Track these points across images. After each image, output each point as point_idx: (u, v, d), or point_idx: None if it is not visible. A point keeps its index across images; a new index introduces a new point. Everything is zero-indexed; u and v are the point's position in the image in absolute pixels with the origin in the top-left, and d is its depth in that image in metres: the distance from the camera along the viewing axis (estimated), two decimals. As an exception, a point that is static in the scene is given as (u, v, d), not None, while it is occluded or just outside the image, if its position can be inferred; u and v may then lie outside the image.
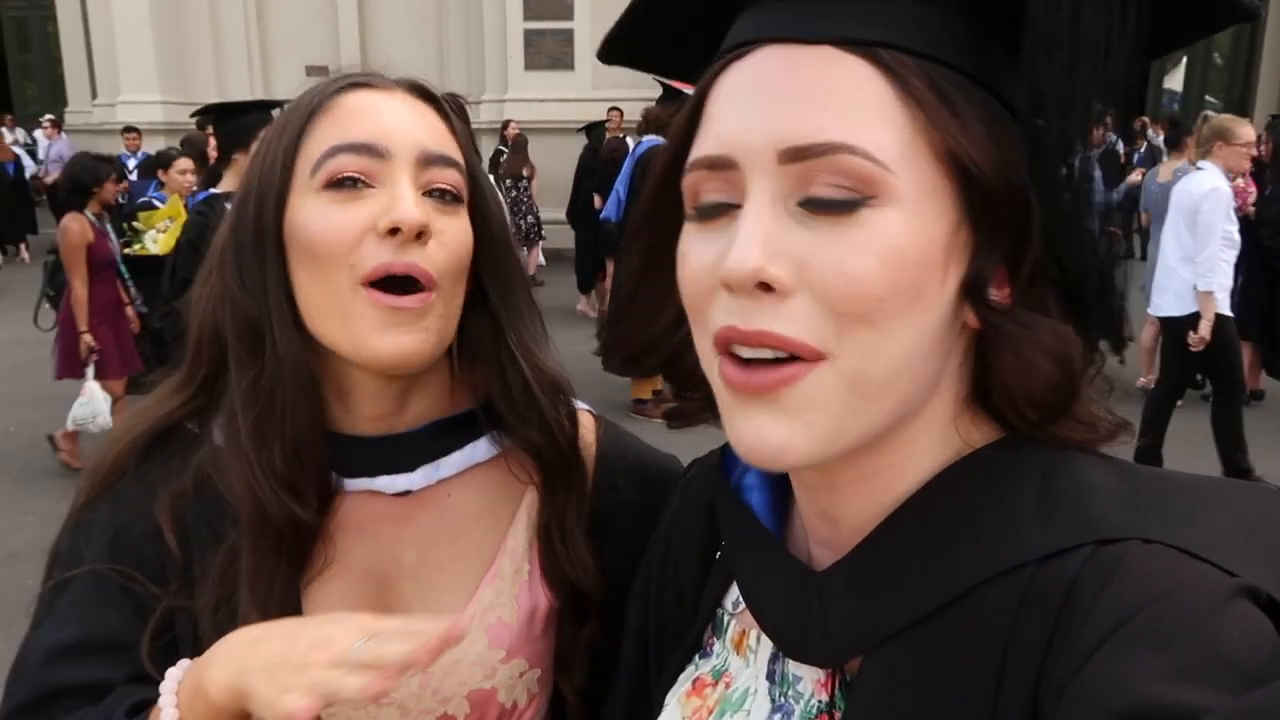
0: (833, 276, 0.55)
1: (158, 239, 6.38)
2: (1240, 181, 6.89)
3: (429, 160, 0.89)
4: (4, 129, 16.68)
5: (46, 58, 19.69)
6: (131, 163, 11.84)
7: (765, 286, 0.56)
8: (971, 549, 0.59)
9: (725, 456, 0.79)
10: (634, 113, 13.05)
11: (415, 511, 0.97)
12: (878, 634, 0.61)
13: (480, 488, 1.00)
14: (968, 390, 0.64)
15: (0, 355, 8.69)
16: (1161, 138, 9.85)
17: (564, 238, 13.06)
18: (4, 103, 20.20)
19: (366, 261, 0.85)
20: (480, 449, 1.00)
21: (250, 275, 0.89)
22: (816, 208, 0.55)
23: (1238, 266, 5.66)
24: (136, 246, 6.50)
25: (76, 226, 5.70)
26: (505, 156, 11.92)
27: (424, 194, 0.88)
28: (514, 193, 11.82)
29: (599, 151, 10.38)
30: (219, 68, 15.07)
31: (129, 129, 12.84)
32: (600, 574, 0.99)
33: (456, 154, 0.92)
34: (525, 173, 11.88)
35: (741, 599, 0.73)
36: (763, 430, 0.58)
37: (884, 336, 0.56)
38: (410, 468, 0.96)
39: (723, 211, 0.59)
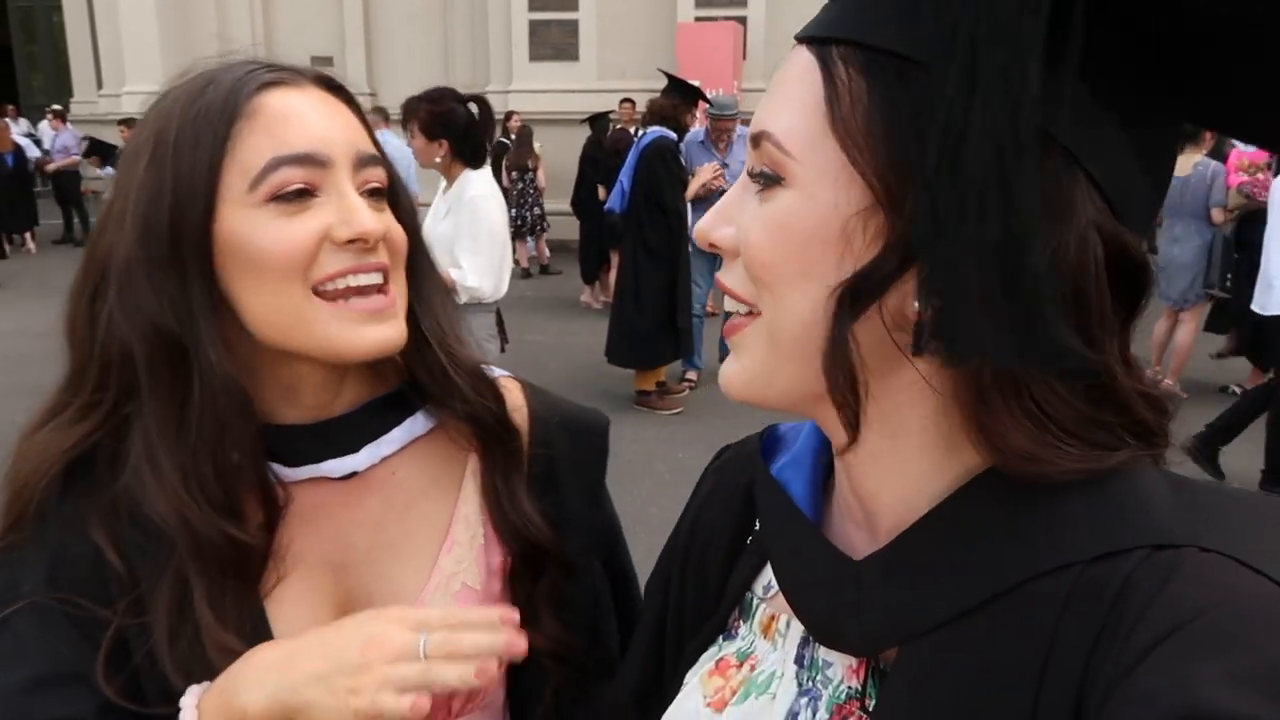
0: (743, 244, 0.64)
1: None
2: (1261, 174, 6.89)
3: (362, 161, 0.90)
4: (9, 120, 16.69)
5: (52, 48, 19.71)
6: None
7: (717, 249, 0.67)
8: (1019, 545, 0.58)
9: (765, 441, 0.80)
10: (639, 104, 13.05)
11: (362, 494, 0.97)
12: (917, 625, 0.60)
13: (423, 461, 1.01)
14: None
15: (5, 346, 8.72)
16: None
17: (569, 229, 13.06)
18: (10, 93, 20.21)
19: (325, 269, 0.86)
20: (419, 423, 1.00)
21: (168, 293, 0.85)
22: (759, 181, 0.63)
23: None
24: None
25: None
26: (510, 148, 11.91)
27: (359, 193, 0.89)
28: (520, 185, 11.81)
29: (603, 143, 10.37)
30: (224, 58, 15.05)
31: (125, 121, 12.85)
32: (548, 526, 1.01)
33: (376, 149, 0.93)
34: (530, 164, 11.87)
35: (774, 584, 0.73)
36: (724, 365, 0.69)
37: (779, 301, 0.62)
38: (354, 449, 0.96)
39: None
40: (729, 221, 0.65)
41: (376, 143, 0.95)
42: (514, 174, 11.81)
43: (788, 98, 0.62)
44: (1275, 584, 0.52)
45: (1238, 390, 6.79)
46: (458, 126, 4.14)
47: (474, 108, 4.21)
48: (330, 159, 0.86)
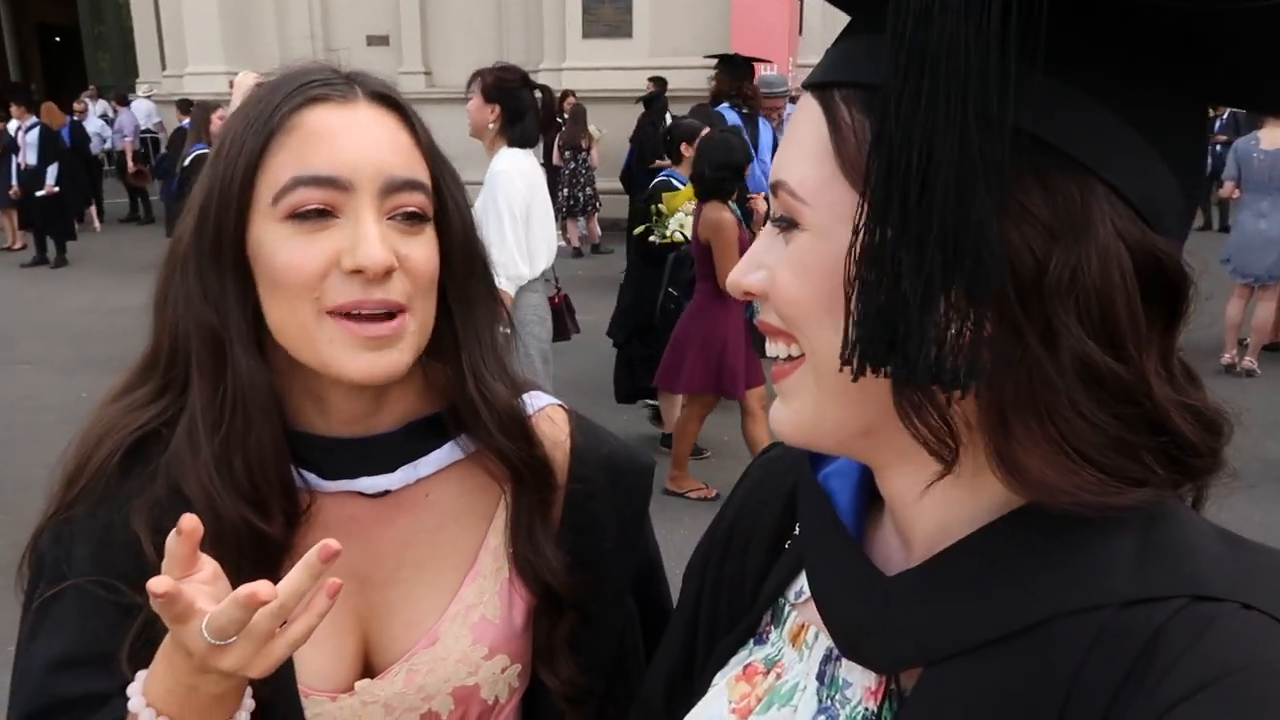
0: (771, 285, 0.64)
1: (685, 224, 5.39)
2: None
3: (393, 187, 0.88)
4: (88, 99, 17.16)
5: (119, 29, 20.18)
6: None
7: (752, 293, 0.67)
8: (1057, 580, 0.57)
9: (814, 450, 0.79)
10: (692, 80, 12.95)
11: (394, 512, 0.97)
12: (940, 648, 0.60)
13: (458, 487, 1.01)
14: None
15: (75, 321, 9.01)
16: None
17: (621, 207, 13.04)
18: (79, 74, 20.76)
19: (332, 297, 0.86)
20: (457, 449, 1.00)
21: (211, 288, 0.89)
22: (781, 225, 0.64)
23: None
24: (665, 232, 5.51)
25: (728, 217, 4.72)
26: (564, 127, 11.91)
27: (389, 218, 0.88)
28: (573, 164, 11.82)
29: (657, 124, 10.29)
30: (282, 38, 15.27)
31: (182, 104, 13.04)
32: (569, 574, 1.00)
33: (421, 172, 0.91)
34: (584, 143, 11.86)
35: (806, 590, 0.73)
36: (776, 413, 0.68)
37: (812, 339, 0.62)
38: (390, 468, 0.96)
39: None
40: (759, 266, 0.66)
41: (434, 159, 0.93)
42: (567, 153, 11.82)
43: (799, 145, 0.63)
44: None
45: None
46: (517, 100, 4.13)
47: (539, 95, 4.21)
48: (352, 183, 0.86)
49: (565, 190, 11.79)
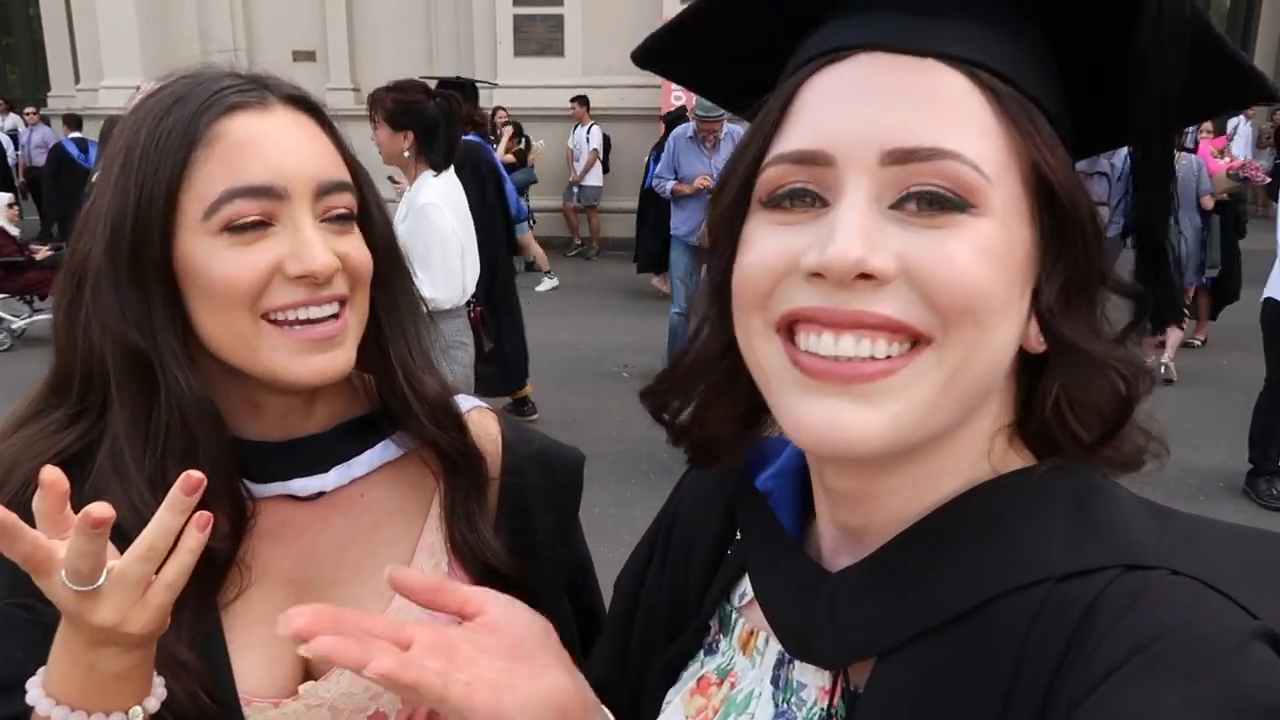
0: (939, 266, 0.55)
1: None
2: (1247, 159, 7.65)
3: (324, 190, 0.88)
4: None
5: (29, 41, 19.48)
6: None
7: (865, 277, 0.56)
8: (994, 562, 0.59)
9: (752, 455, 0.79)
10: (626, 100, 13.03)
11: (329, 514, 0.97)
12: (888, 639, 0.61)
13: (392, 485, 1.01)
14: (1010, 415, 0.65)
15: None
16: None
17: (556, 225, 13.02)
18: (-14, 87, 19.95)
19: (275, 300, 0.85)
20: (390, 448, 1.00)
21: (132, 309, 0.85)
22: (921, 206, 0.56)
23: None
24: None
25: None
26: (496, 144, 11.85)
27: (322, 219, 0.88)
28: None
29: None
30: (205, 51, 14.83)
31: (72, 118, 12.64)
32: (509, 555, 1.01)
33: (346, 173, 0.92)
34: (517, 162, 11.82)
35: (749, 592, 0.74)
36: (841, 417, 0.57)
37: (985, 334, 0.56)
38: (324, 468, 0.96)
39: (805, 204, 0.60)
40: (881, 246, 0.56)
41: (351, 161, 0.94)
42: (499, 170, 11.76)
43: (956, 117, 0.57)
44: (1243, 609, 0.52)
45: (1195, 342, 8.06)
46: (426, 119, 3.96)
47: (443, 103, 4.07)
48: (287, 190, 0.86)
49: (499, 208, 11.72)
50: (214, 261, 0.84)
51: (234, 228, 0.84)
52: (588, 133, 12.69)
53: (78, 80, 16.47)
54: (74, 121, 12.69)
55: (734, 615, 0.77)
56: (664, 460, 5.59)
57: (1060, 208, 0.59)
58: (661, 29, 0.72)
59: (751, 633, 0.74)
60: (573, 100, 12.50)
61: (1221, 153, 7.99)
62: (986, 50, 0.59)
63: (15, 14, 20.19)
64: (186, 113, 0.86)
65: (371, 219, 0.95)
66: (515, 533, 1.03)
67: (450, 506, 1.01)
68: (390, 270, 0.97)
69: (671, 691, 0.78)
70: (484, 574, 1.00)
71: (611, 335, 8.58)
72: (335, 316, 0.89)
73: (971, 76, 0.58)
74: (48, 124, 15.54)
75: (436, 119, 3.98)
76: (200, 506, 0.83)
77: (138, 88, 5.48)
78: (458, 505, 1.01)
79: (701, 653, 0.79)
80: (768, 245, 0.60)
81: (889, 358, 0.57)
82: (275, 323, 0.87)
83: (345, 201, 0.90)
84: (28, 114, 15.74)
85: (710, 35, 0.70)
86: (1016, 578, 0.58)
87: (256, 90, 0.89)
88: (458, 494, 1.01)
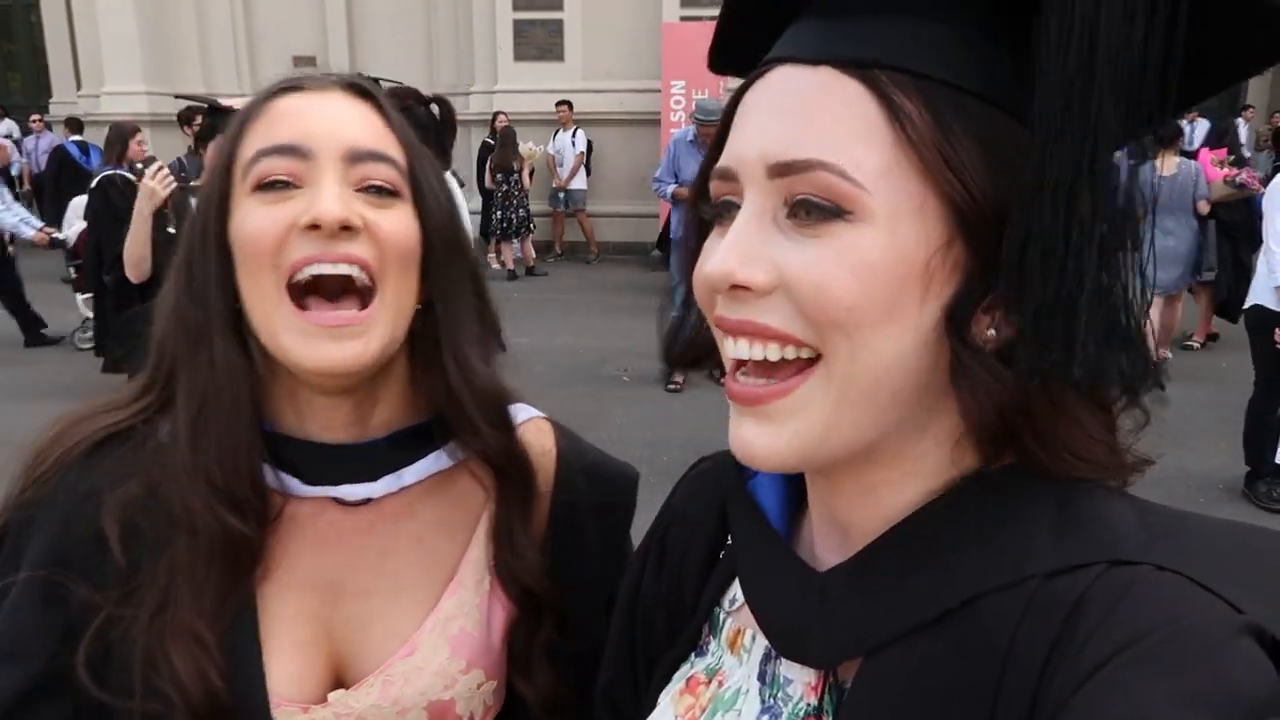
0: (806, 283, 0.57)
1: None
2: (1244, 167, 8.09)
3: (358, 156, 0.89)
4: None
5: (30, 47, 19.49)
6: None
7: (743, 288, 0.59)
8: (980, 559, 0.59)
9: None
10: (626, 104, 13.04)
11: (375, 521, 0.97)
12: (876, 637, 0.61)
13: (441, 497, 1.00)
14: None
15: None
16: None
17: (547, 230, 13.02)
18: (-13, 93, 19.97)
19: (290, 256, 0.85)
20: (442, 458, 0.99)
21: (196, 281, 0.91)
22: (800, 213, 0.58)
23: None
24: None
25: None
26: (494, 150, 11.86)
27: (357, 190, 0.88)
28: (505, 186, 11.76)
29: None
30: (205, 58, 14.95)
31: (73, 121, 12.69)
32: (551, 574, 1.00)
33: (392, 150, 0.92)
34: (516, 165, 11.82)
35: (740, 597, 0.74)
36: (747, 436, 0.62)
37: (859, 345, 0.58)
38: (373, 477, 0.96)
39: (729, 217, 0.63)
40: (754, 258, 0.59)
41: (408, 145, 0.94)
42: (499, 176, 11.77)
43: (831, 124, 0.58)
44: (1228, 604, 0.52)
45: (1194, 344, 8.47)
46: (417, 127, 4.00)
47: (435, 109, 4.10)
48: (312, 151, 0.87)
49: (499, 213, 11.73)
50: (246, 220, 0.87)
51: (262, 186, 0.87)
52: (573, 136, 12.69)
53: (79, 86, 16.49)
54: (75, 125, 12.91)
55: (723, 616, 0.77)
56: (664, 464, 5.59)
57: (962, 205, 0.57)
58: (715, 32, 0.74)
59: (739, 631, 0.75)
60: (558, 104, 12.52)
61: (1222, 163, 8.27)
62: (888, 48, 0.58)
63: (17, 21, 20.22)
64: (251, 101, 0.92)
65: (426, 204, 0.93)
66: (560, 551, 1.02)
67: (497, 526, 1.00)
68: (447, 255, 0.95)
69: (663, 693, 0.79)
70: (520, 593, 0.99)
71: (612, 339, 8.58)
72: (358, 300, 0.87)
73: (864, 79, 0.58)
74: (51, 130, 15.56)
75: (427, 124, 4.00)
76: (230, 483, 0.87)
77: (150, 96, 5.52)
78: (504, 525, 1.00)
79: (693, 654, 0.79)
80: (703, 258, 0.65)
81: (785, 363, 0.60)
82: (296, 299, 0.86)
83: (383, 174, 0.90)
84: (33, 121, 15.73)
85: (739, 32, 0.72)
86: (1002, 575, 0.58)
87: (320, 79, 0.93)
88: (505, 512, 1.00)
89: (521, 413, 1.06)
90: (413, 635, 0.95)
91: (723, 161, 0.63)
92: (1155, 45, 0.51)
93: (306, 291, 0.86)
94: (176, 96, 6.52)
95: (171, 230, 3.85)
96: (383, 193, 0.89)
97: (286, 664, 0.90)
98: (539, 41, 13.57)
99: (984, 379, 0.58)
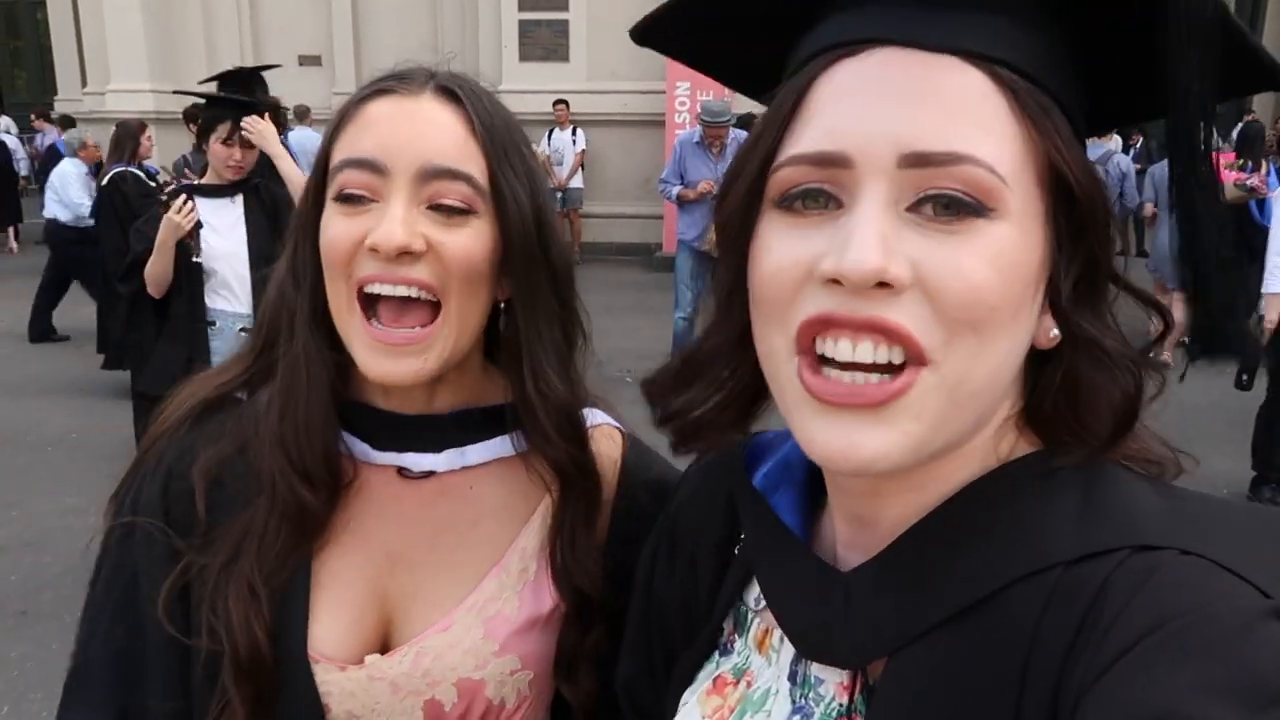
0: (951, 279, 0.55)
1: None
2: (1255, 173, 8.14)
3: (431, 174, 0.89)
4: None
5: (36, 45, 19.54)
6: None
7: (882, 285, 0.55)
8: (1004, 551, 0.59)
9: (749, 452, 0.78)
10: (630, 105, 13.04)
11: (437, 497, 1.00)
12: (904, 634, 0.60)
13: (502, 482, 1.02)
14: (1019, 402, 0.64)
15: (-11, 345, 8.63)
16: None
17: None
18: (-7, 90, 20.02)
19: (359, 272, 0.89)
20: (507, 445, 1.01)
21: (298, 266, 0.96)
22: (938, 210, 0.55)
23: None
24: None
25: None
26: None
27: (428, 207, 0.90)
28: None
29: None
30: (210, 56, 14.95)
31: (66, 119, 12.71)
32: (606, 581, 1.01)
33: (470, 164, 0.91)
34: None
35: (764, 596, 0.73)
36: (855, 438, 0.57)
37: (986, 345, 0.56)
38: (436, 449, 0.99)
39: (819, 205, 0.59)
40: (893, 251, 0.56)
41: (493, 153, 0.92)
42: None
43: (969, 118, 0.56)
44: (1255, 588, 0.52)
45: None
46: None
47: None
48: (387, 167, 0.89)
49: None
50: (327, 227, 0.92)
51: (341, 197, 0.90)
52: (573, 134, 12.67)
53: (84, 84, 16.52)
54: (67, 122, 13.06)
55: (750, 615, 0.76)
56: (667, 464, 5.59)
57: (1078, 207, 0.59)
58: (663, 4, 0.69)
59: (766, 631, 0.74)
60: (556, 103, 12.51)
61: (1231, 166, 8.56)
62: (1006, 46, 0.58)
63: (23, 19, 20.26)
64: (353, 96, 0.95)
65: (507, 215, 0.93)
66: (622, 556, 1.01)
67: (557, 524, 1.01)
68: (529, 269, 0.95)
69: (687, 692, 0.78)
70: (574, 595, 1.00)
71: (615, 340, 8.56)
72: (423, 317, 0.90)
73: (991, 74, 0.57)
74: (52, 124, 15.58)
75: None
76: (307, 451, 0.94)
77: (156, 94, 5.55)
78: (565, 524, 1.01)
79: (716, 654, 0.78)
80: (784, 251, 0.60)
81: (889, 373, 0.57)
82: (366, 308, 0.90)
83: (457, 191, 0.90)
84: (35, 120, 15.77)
85: (714, 10, 0.68)
86: (1026, 564, 0.57)
87: (415, 80, 0.94)
88: (567, 511, 1.01)
89: (594, 416, 1.07)
90: (451, 611, 0.98)
91: (825, 145, 0.58)
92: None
93: (373, 305, 0.91)
94: (175, 93, 6.49)
95: (196, 260, 3.84)
96: (454, 212, 0.90)
97: (334, 624, 0.94)
98: (544, 42, 13.58)
99: (1099, 350, 0.60)
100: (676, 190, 7.37)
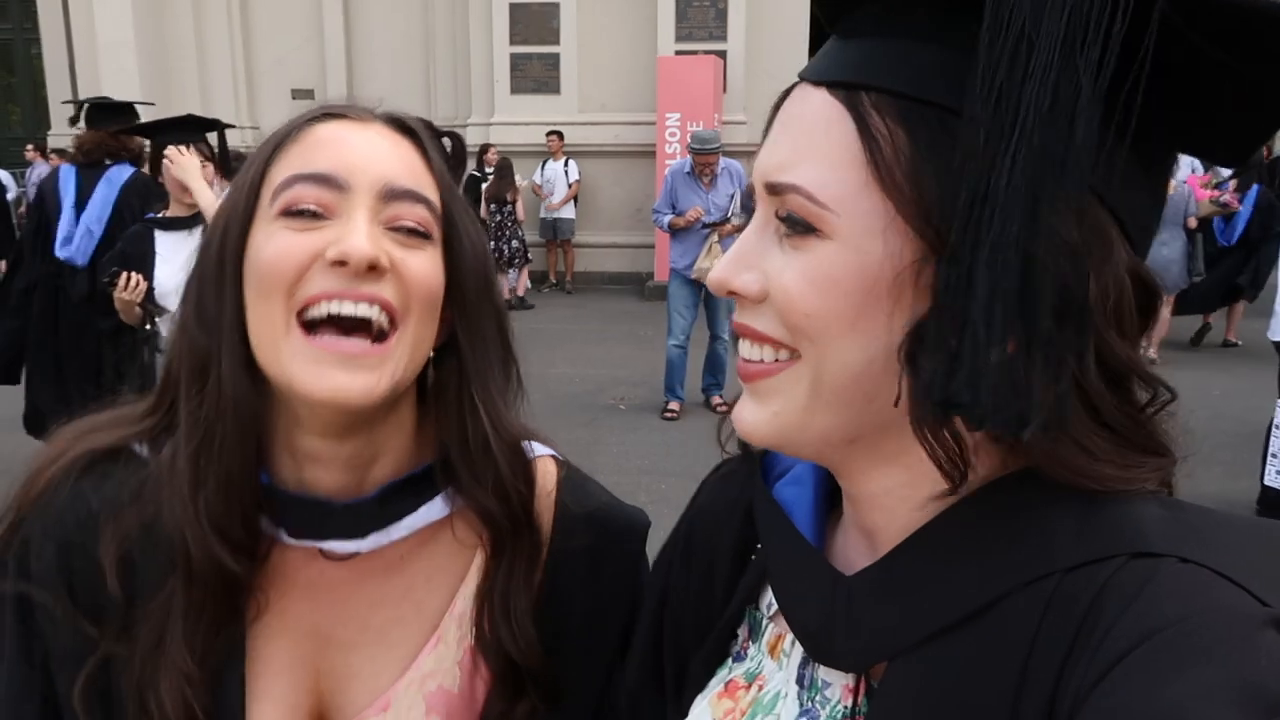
0: (777, 291, 0.63)
1: None
2: (1228, 190, 9.28)
3: (392, 195, 0.86)
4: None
5: (30, 80, 19.63)
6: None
7: (731, 294, 0.66)
8: (1004, 559, 0.59)
9: (766, 458, 0.80)
10: (621, 137, 13.16)
11: (365, 573, 0.94)
12: (904, 640, 0.61)
13: (432, 547, 0.96)
14: None
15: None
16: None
17: (540, 260, 13.05)
18: (-14, 126, 20.09)
19: (311, 288, 0.82)
20: (435, 508, 0.95)
21: (206, 307, 0.87)
22: (789, 227, 0.63)
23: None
24: None
25: None
26: (488, 181, 11.94)
27: (387, 228, 0.85)
28: (499, 217, 11.84)
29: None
30: (205, 93, 15.05)
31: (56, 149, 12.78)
32: (538, 645, 0.94)
33: (428, 190, 0.89)
34: (509, 197, 11.91)
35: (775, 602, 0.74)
36: (740, 410, 0.68)
37: (824, 351, 0.62)
38: (361, 534, 0.92)
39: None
40: (749, 267, 0.65)
41: (445, 186, 0.91)
42: (492, 206, 11.84)
43: (812, 147, 0.61)
44: (1254, 597, 0.52)
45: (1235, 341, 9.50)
46: None
47: (447, 143, 4.09)
48: (348, 184, 0.84)
49: (492, 243, 11.78)
50: (267, 243, 0.84)
51: (290, 212, 0.84)
52: (565, 165, 12.78)
53: (78, 119, 16.59)
54: (63, 155, 13.00)
55: (764, 621, 0.78)
56: (662, 491, 5.59)
57: (929, 224, 0.58)
58: None
59: (779, 637, 0.75)
60: (549, 134, 12.62)
61: (1207, 185, 9.49)
62: (878, 70, 0.60)
63: (18, 54, 20.38)
64: (288, 124, 0.90)
65: (460, 248, 0.91)
66: (555, 605, 0.96)
67: (485, 590, 0.95)
68: (477, 299, 0.92)
69: (699, 697, 0.79)
70: (500, 663, 0.94)
71: (608, 368, 8.60)
72: (377, 339, 0.84)
73: (848, 102, 0.60)
74: (46, 159, 15.64)
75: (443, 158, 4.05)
76: (217, 518, 0.84)
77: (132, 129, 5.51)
78: (494, 589, 0.94)
79: (730, 659, 0.79)
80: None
81: (776, 361, 0.65)
82: (307, 327, 0.83)
83: (417, 215, 0.87)
84: (29, 152, 15.83)
85: None
86: (1025, 572, 0.58)
87: (363, 110, 0.91)
88: (499, 570, 0.95)
89: (532, 449, 1.01)
90: (388, 691, 0.93)
91: (752, 175, 0.68)
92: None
93: (316, 327, 0.83)
94: (114, 133, 5.75)
95: (155, 320, 3.92)
96: (414, 234, 0.86)
97: (270, 709, 0.89)
98: (535, 75, 13.71)
99: (924, 412, 0.57)
100: (668, 219, 7.44)
